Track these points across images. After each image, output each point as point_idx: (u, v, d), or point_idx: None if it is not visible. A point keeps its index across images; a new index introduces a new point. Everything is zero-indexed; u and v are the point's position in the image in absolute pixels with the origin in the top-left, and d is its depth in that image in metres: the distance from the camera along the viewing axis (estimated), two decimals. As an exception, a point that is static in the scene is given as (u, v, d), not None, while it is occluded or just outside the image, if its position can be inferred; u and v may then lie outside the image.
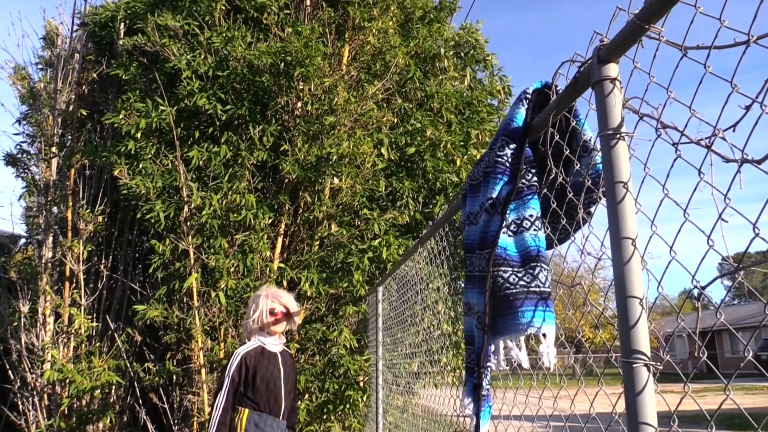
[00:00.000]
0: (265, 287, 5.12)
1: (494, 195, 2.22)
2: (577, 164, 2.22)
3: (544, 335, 2.02)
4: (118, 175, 7.89)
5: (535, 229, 2.11)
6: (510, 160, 2.23)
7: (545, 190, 2.27)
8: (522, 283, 2.04)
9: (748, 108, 1.30)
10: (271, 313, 4.91)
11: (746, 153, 1.31)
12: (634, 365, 1.52)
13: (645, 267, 1.61)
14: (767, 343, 36.75)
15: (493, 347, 2.20)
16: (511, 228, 2.14)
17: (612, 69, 1.73)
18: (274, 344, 4.96)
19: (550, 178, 2.23)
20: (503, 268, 2.09)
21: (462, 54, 10.11)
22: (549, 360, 2.05)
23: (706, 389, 22.13)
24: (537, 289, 2.03)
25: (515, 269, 2.08)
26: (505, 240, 2.13)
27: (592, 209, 2.25)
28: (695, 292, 1.51)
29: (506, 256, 2.09)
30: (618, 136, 1.67)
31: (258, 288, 5.70)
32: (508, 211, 2.16)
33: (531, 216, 2.12)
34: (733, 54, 1.36)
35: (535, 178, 2.18)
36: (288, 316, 5.00)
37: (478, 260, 2.30)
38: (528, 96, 2.29)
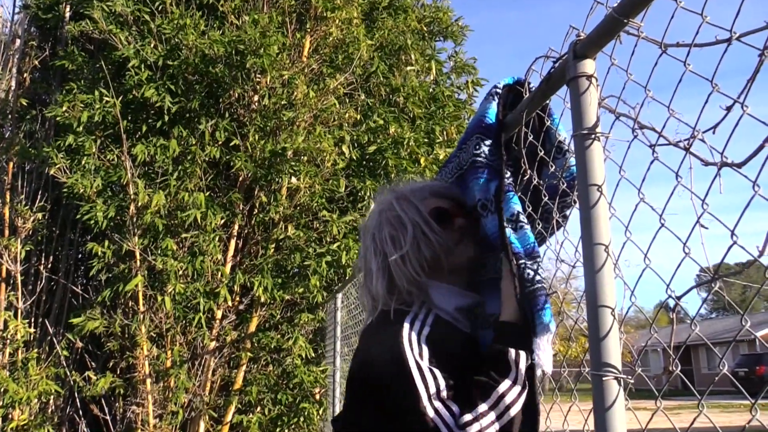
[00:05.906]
0: (384, 190, 2.35)
1: (480, 196, 2.19)
2: (552, 166, 2.21)
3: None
4: (54, 174, 7.78)
5: (527, 224, 2.06)
6: (489, 156, 2.21)
7: (519, 193, 2.25)
8: (537, 278, 1.93)
9: (729, 109, 1.31)
10: (442, 218, 2.15)
11: (726, 156, 1.31)
12: (603, 378, 1.52)
13: (618, 275, 1.61)
14: (744, 359, 37.12)
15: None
16: (511, 225, 2.08)
17: (588, 65, 1.73)
18: (462, 311, 2.13)
19: (524, 179, 2.22)
20: (519, 262, 2.00)
21: (427, 35, 10.11)
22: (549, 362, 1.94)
23: (681, 407, 22.35)
24: (545, 284, 1.95)
25: (525, 264, 2.00)
26: (512, 236, 2.06)
27: (567, 212, 2.23)
28: (670, 302, 1.51)
29: (516, 251, 2.02)
30: (593, 136, 1.67)
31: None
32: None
33: (519, 212, 2.07)
34: (715, 54, 1.37)
35: (511, 178, 2.16)
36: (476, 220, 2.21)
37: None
38: (498, 91, 2.27)
